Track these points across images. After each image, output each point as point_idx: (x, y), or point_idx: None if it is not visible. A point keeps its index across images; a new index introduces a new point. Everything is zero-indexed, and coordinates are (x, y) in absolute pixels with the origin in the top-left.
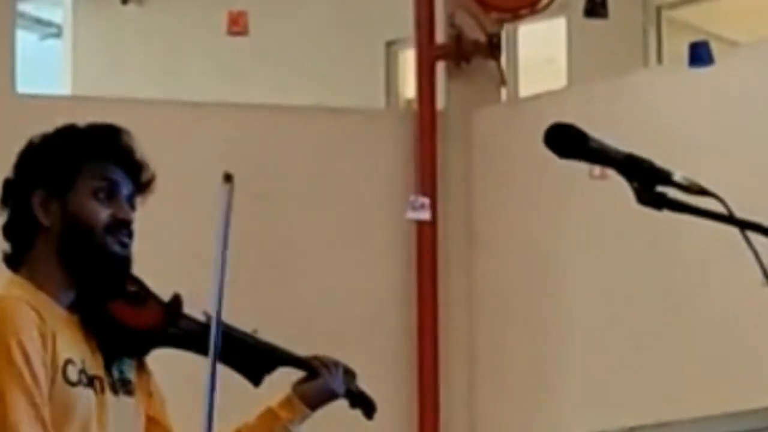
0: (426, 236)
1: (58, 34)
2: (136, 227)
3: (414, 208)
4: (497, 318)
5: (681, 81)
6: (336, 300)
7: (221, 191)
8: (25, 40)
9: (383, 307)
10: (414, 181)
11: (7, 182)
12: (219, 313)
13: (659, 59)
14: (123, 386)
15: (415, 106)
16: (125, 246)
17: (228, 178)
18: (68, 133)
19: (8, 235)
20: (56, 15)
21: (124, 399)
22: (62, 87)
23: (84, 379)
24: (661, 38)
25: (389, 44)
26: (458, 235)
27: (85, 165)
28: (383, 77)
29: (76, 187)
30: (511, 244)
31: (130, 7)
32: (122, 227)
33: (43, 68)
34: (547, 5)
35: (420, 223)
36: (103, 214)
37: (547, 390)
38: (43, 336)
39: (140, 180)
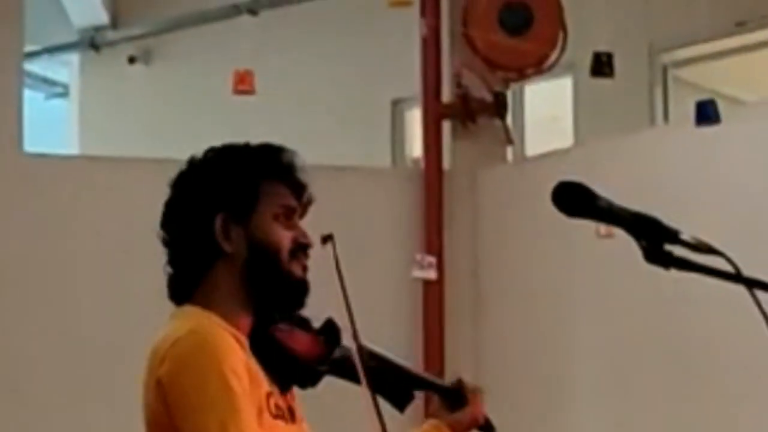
0: (432, 295)
1: (65, 94)
2: None
3: (421, 267)
4: (504, 377)
5: (688, 139)
6: None
7: (325, 252)
8: (31, 99)
9: None
10: (420, 240)
11: (177, 205)
12: (361, 347)
13: (666, 118)
14: (292, 414)
15: (421, 164)
16: (306, 270)
17: (325, 240)
18: (242, 153)
19: (178, 262)
20: (63, 74)
21: (301, 426)
22: (69, 146)
23: (281, 411)
24: (667, 97)
25: (395, 103)
26: (465, 294)
27: (263, 187)
28: (389, 136)
29: (258, 211)
30: (517, 304)
31: (137, 67)
32: (304, 250)
33: (49, 127)
34: (553, 65)
35: (426, 282)
36: (287, 238)
37: None
38: (247, 368)
39: (304, 200)
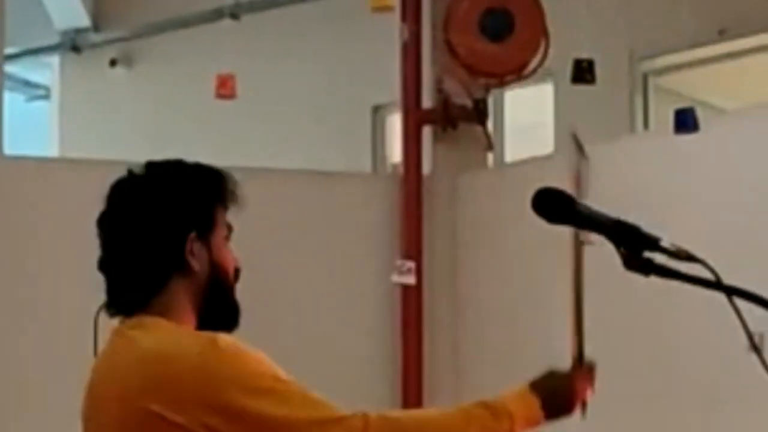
0: (411, 300)
1: (45, 96)
2: None
3: (399, 272)
4: (482, 382)
5: (667, 147)
6: (321, 363)
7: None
8: (12, 101)
9: (368, 371)
10: (399, 245)
11: (142, 218)
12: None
13: (646, 125)
14: None
15: (401, 170)
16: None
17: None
18: (201, 175)
19: (134, 273)
20: (44, 77)
21: None
22: (49, 149)
23: None
24: (647, 105)
25: (376, 109)
26: (443, 299)
27: (217, 209)
28: (370, 141)
29: (216, 232)
30: (496, 310)
31: (118, 70)
32: (238, 276)
33: (30, 130)
34: (534, 71)
35: (405, 287)
36: (233, 262)
37: None
38: None
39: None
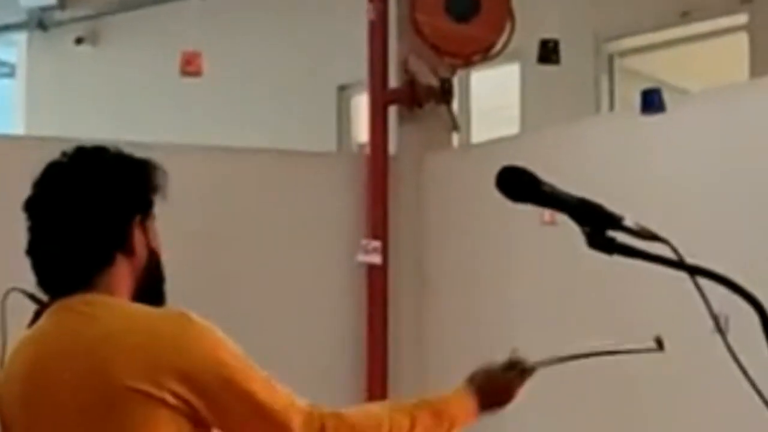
0: (377, 280)
1: (11, 74)
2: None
3: (365, 252)
4: (447, 362)
5: (633, 128)
6: (285, 342)
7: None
8: None
9: (333, 350)
10: (365, 225)
11: (87, 198)
12: None
13: (611, 106)
14: None
15: (366, 149)
16: None
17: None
18: (131, 161)
19: (76, 252)
20: (10, 54)
21: None
22: (15, 126)
23: None
24: (613, 86)
25: (342, 88)
26: (409, 279)
27: (153, 199)
28: (335, 121)
29: (152, 219)
30: (461, 290)
31: (84, 47)
32: None
33: None
34: (500, 51)
35: (371, 267)
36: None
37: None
38: None
39: None
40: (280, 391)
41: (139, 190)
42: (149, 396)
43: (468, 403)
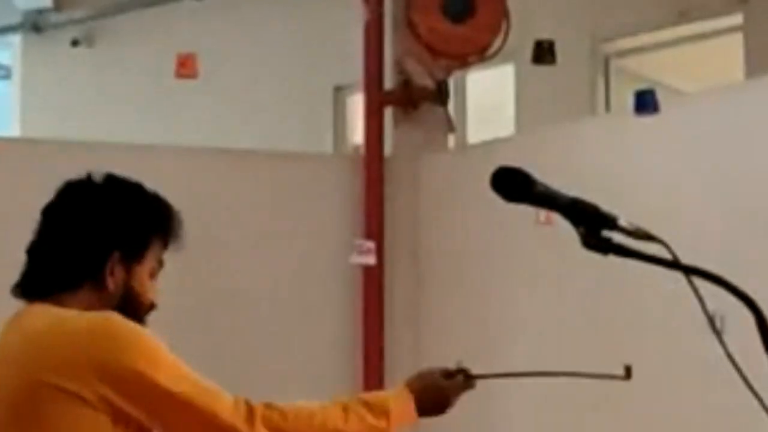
0: (372, 280)
1: (6, 76)
2: None
3: (360, 253)
4: (444, 361)
5: (627, 129)
6: (281, 343)
7: None
8: None
9: (329, 351)
10: (360, 226)
11: (77, 220)
12: None
13: (607, 107)
14: None
15: (362, 151)
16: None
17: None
18: (144, 200)
19: (52, 264)
20: (5, 56)
21: None
22: (11, 128)
23: None
24: (608, 87)
25: (337, 89)
26: (404, 279)
27: (153, 242)
28: (331, 122)
29: (143, 262)
30: (456, 290)
31: (80, 50)
32: (152, 311)
33: None
34: (495, 52)
35: (366, 268)
36: (151, 295)
37: None
38: None
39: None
40: (204, 384)
41: (128, 228)
42: (65, 392)
43: (405, 403)
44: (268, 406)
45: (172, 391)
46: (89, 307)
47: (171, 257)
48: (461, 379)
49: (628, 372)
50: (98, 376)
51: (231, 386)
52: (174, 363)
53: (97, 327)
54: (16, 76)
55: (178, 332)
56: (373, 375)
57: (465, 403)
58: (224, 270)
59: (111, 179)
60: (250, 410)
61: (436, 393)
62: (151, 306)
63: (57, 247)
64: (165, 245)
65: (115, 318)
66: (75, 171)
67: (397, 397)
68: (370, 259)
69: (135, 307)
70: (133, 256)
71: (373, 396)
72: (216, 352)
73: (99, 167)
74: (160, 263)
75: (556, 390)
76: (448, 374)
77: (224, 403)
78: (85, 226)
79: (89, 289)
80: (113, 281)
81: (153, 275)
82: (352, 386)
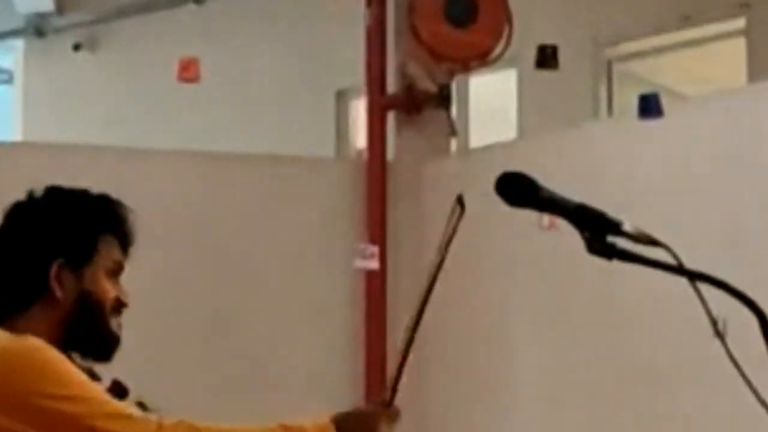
0: (375, 285)
1: (9, 80)
2: None
3: (363, 257)
4: (445, 366)
5: (631, 133)
6: (283, 348)
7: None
8: None
9: (331, 356)
10: (363, 230)
11: (13, 238)
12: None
13: (610, 111)
14: None
15: (365, 155)
16: (121, 327)
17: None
18: (84, 203)
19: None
20: (7, 61)
21: None
22: (13, 133)
23: None
24: (611, 91)
25: (340, 93)
26: (407, 284)
27: (102, 241)
28: (334, 126)
29: (94, 264)
30: (459, 295)
31: (82, 54)
32: (122, 309)
33: None
34: (498, 57)
35: (369, 273)
36: (112, 294)
37: None
38: None
39: (128, 256)
40: (112, 408)
41: (66, 233)
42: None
43: (326, 429)
44: (181, 420)
45: (75, 413)
46: (44, 321)
47: (173, 262)
48: (384, 406)
49: None
50: (9, 406)
51: (234, 391)
52: (81, 391)
53: (7, 356)
54: (18, 80)
55: (180, 338)
56: (376, 380)
57: (471, 404)
58: (226, 274)
59: (50, 191)
60: (160, 427)
61: (359, 418)
62: (119, 304)
63: (6, 270)
64: (120, 243)
65: (31, 347)
66: (77, 175)
67: (318, 424)
68: (374, 264)
69: (95, 309)
70: (81, 259)
71: (294, 423)
72: (219, 356)
73: (101, 172)
74: (118, 262)
75: (558, 390)
76: (375, 405)
77: (132, 421)
78: (23, 243)
79: (41, 305)
80: (61, 290)
81: (111, 275)
82: (355, 391)
